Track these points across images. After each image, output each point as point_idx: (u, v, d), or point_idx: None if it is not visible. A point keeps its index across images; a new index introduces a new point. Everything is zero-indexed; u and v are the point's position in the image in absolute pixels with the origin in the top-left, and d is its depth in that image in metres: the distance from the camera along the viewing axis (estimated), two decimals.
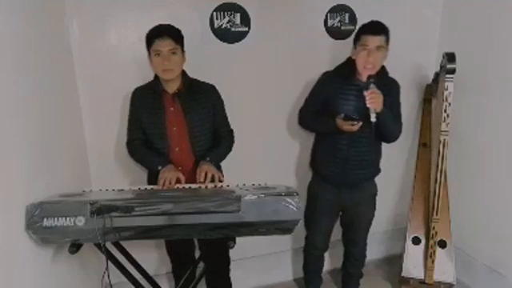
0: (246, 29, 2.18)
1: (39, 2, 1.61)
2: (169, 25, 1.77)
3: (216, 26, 2.13)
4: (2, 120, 1.23)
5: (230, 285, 2.22)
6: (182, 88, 1.84)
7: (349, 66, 1.91)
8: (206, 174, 1.72)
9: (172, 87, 1.82)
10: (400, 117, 2.03)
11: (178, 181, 1.72)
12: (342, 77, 1.95)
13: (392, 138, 2.03)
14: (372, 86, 1.81)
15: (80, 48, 1.95)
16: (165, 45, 1.71)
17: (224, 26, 2.14)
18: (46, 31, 1.68)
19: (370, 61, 1.84)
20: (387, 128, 1.93)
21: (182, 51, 1.79)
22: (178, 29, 1.78)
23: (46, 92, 1.60)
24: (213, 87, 1.93)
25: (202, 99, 1.87)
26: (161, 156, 1.85)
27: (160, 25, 1.77)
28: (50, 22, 1.76)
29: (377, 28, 1.83)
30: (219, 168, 2.02)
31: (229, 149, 1.98)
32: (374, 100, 1.79)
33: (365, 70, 1.86)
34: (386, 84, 1.96)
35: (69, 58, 1.93)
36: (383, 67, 1.95)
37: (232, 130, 2.02)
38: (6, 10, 1.30)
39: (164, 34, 1.71)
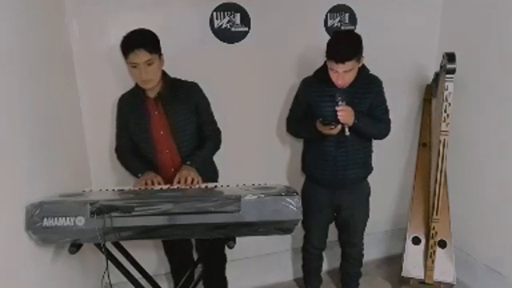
0: (246, 29, 2.18)
1: (39, 1, 1.61)
2: (141, 34, 1.70)
3: (216, 26, 2.13)
4: (2, 120, 1.23)
5: (226, 283, 2.22)
6: (162, 91, 1.82)
7: (326, 69, 1.91)
8: (185, 179, 1.72)
9: (153, 91, 1.82)
10: (387, 113, 2.04)
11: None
12: (321, 80, 1.96)
13: (378, 137, 2.06)
14: (340, 103, 1.84)
15: (80, 48, 1.95)
16: (140, 58, 1.66)
17: (224, 26, 2.14)
18: (46, 31, 1.68)
19: (339, 83, 1.87)
20: (367, 133, 1.98)
21: (160, 56, 1.75)
22: (151, 36, 1.72)
23: (46, 92, 1.60)
24: (195, 85, 1.91)
25: (184, 99, 1.85)
26: (144, 164, 1.86)
27: (132, 35, 1.69)
28: (50, 22, 1.76)
29: (342, 57, 1.78)
30: (213, 167, 2.03)
31: (214, 149, 1.97)
32: (343, 117, 1.83)
33: (337, 85, 1.89)
34: (368, 82, 1.97)
35: (69, 57, 1.93)
36: (363, 66, 1.94)
37: (218, 129, 2.00)
38: (6, 10, 1.30)
39: (137, 47, 1.64)
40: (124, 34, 1.70)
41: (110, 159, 2.12)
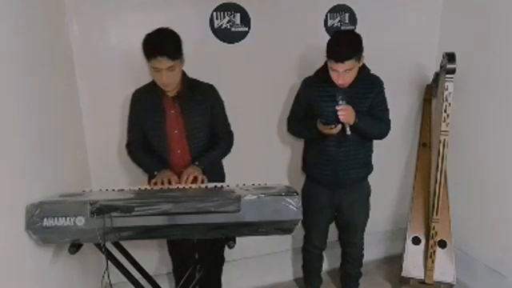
0: (246, 29, 2.18)
1: (39, 1, 1.61)
2: (165, 40, 1.65)
3: (216, 26, 2.13)
4: (2, 120, 1.23)
5: (221, 285, 2.23)
6: (181, 90, 1.82)
7: (327, 69, 1.91)
8: (187, 177, 1.72)
9: (172, 90, 1.81)
10: (387, 113, 2.04)
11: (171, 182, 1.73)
12: (322, 80, 1.96)
13: (378, 137, 2.06)
14: (341, 102, 1.84)
15: (80, 48, 1.95)
16: (162, 64, 1.64)
17: (224, 26, 2.14)
18: (46, 31, 1.68)
19: (339, 82, 1.87)
20: (368, 133, 1.98)
21: (181, 59, 1.73)
22: (175, 41, 1.68)
23: (46, 92, 1.60)
24: (211, 87, 1.91)
25: (201, 100, 1.86)
26: (158, 161, 1.85)
27: (156, 40, 1.64)
28: (50, 22, 1.76)
29: (341, 57, 1.78)
30: (221, 171, 2.03)
31: (225, 151, 1.97)
32: (344, 116, 1.84)
33: (338, 84, 1.89)
34: (368, 82, 1.97)
35: (69, 57, 1.93)
36: (363, 66, 1.94)
37: (231, 132, 2.01)
38: (6, 10, 1.29)
39: (160, 55, 1.61)
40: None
41: (110, 159, 2.13)
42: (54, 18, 1.80)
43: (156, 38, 1.65)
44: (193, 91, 1.84)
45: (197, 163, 1.82)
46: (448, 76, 2.06)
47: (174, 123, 1.83)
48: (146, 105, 1.85)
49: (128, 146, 1.96)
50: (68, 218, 1.35)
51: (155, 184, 1.73)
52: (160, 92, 1.81)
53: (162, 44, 1.64)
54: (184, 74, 1.83)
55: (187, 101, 1.83)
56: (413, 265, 2.37)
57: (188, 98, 1.83)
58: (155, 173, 1.80)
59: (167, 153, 1.86)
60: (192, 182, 1.73)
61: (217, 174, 1.98)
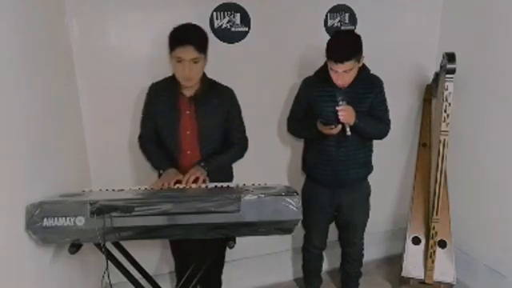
0: (246, 29, 2.18)
1: (39, 1, 1.61)
2: (193, 30, 1.67)
3: (216, 26, 2.13)
4: (2, 120, 1.23)
5: (221, 284, 2.22)
6: (199, 90, 1.80)
7: (327, 69, 1.91)
8: (189, 177, 1.71)
9: (190, 90, 1.79)
10: (387, 113, 2.04)
11: (178, 182, 1.72)
12: (322, 80, 1.96)
13: (378, 137, 2.06)
14: (341, 102, 1.84)
15: (80, 48, 1.95)
16: (187, 54, 1.63)
17: (224, 26, 2.14)
18: (46, 31, 1.68)
19: (339, 83, 1.87)
20: (368, 133, 1.98)
21: (205, 56, 1.72)
22: (202, 34, 1.70)
23: (46, 92, 1.60)
24: (230, 91, 1.89)
25: (217, 104, 1.84)
26: (166, 159, 1.83)
27: (184, 30, 1.66)
28: (50, 22, 1.75)
29: (341, 57, 1.78)
30: (230, 172, 2.01)
31: (237, 156, 1.95)
32: (344, 117, 1.84)
33: (337, 84, 1.89)
34: (368, 82, 1.97)
35: (69, 58, 1.93)
36: (363, 66, 1.94)
37: (246, 137, 1.98)
38: (6, 10, 1.29)
39: (187, 43, 1.61)
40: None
41: (110, 159, 2.12)
42: (54, 18, 1.80)
43: (185, 27, 1.68)
44: (210, 93, 1.82)
45: (202, 164, 1.80)
46: (448, 76, 2.06)
47: (188, 124, 1.81)
48: (161, 101, 1.82)
49: (140, 138, 1.94)
50: (68, 218, 1.36)
51: (162, 186, 1.71)
52: (178, 90, 1.79)
53: (191, 33, 1.66)
54: (204, 74, 1.82)
55: (203, 103, 1.81)
56: (413, 265, 2.37)
57: (204, 100, 1.81)
58: (161, 171, 1.80)
59: (177, 152, 1.84)
60: (193, 183, 1.73)
61: (224, 175, 1.95)
